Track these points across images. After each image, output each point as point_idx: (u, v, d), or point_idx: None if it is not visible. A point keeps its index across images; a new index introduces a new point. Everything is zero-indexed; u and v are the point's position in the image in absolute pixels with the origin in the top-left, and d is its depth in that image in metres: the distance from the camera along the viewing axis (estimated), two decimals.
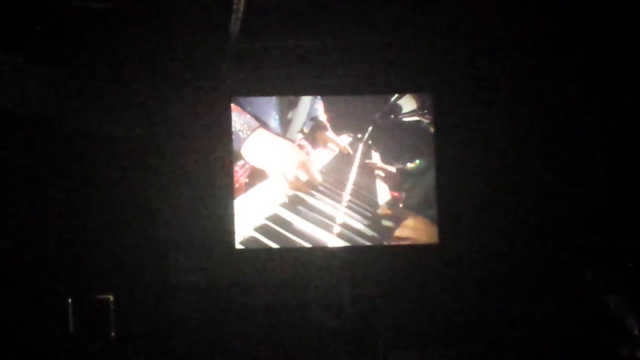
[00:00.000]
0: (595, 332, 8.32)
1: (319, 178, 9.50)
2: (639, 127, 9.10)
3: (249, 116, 9.49)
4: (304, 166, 9.48)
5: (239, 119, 9.47)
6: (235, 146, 9.43)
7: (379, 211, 9.55)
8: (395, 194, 9.59)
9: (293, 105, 9.62)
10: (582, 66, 9.19)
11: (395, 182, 9.60)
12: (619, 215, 9.17)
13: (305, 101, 9.63)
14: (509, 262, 9.35)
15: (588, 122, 9.44)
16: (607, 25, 8.43)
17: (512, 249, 9.39)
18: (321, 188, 9.49)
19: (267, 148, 9.51)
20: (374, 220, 9.53)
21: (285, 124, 9.57)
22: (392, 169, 9.59)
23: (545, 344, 8.58)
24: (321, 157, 9.55)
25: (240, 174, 9.38)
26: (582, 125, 9.45)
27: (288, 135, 9.56)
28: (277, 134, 9.55)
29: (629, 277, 8.58)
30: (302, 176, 9.44)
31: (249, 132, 9.46)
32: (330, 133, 9.57)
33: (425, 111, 9.71)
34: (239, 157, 9.42)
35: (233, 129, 9.45)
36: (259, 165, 9.43)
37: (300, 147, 9.52)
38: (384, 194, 9.58)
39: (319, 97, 9.61)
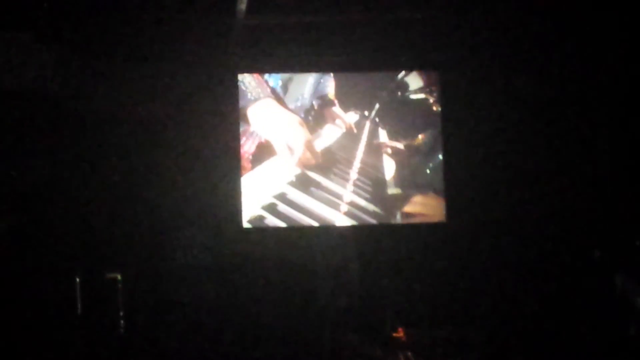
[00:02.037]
0: (602, 311, 8.33)
1: (319, 159, 9.45)
2: None
3: (264, 84, 9.49)
4: (308, 144, 9.43)
5: (251, 80, 9.46)
6: (241, 103, 9.41)
7: (387, 189, 9.52)
8: (403, 171, 9.57)
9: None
10: (591, 45, 9.16)
11: (403, 159, 9.57)
12: (627, 194, 9.16)
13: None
14: (517, 241, 9.35)
15: (597, 100, 9.42)
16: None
17: (519, 227, 9.39)
18: (328, 166, 9.44)
19: (273, 118, 9.48)
20: (381, 198, 9.51)
21: (285, 82, 9.55)
22: (400, 145, 9.55)
23: (553, 322, 8.58)
24: (328, 135, 9.49)
25: (246, 147, 9.36)
26: (591, 103, 9.42)
27: (287, 99, 9.52)
28: (287, 108, 9.50)
29: (637, 256, 8.57)
30: (308, 154, 9.39)
31: (257, 96, 9.43)
32: (337, 109, 9.51)
33: (432, 88, 9.66)
34: (245, 118, 9.39)
35: (243, 87, 9.42)
36: (262, 133, 9.41)
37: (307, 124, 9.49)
38: (391, 171, 9.53)
39: (326, 74, 9.55)
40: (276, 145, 9.40)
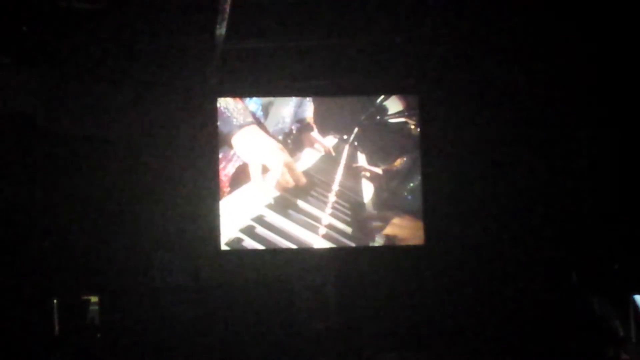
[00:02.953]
0: (581, 333, 8.32)
1: (302, 180, 9.50)
2: (625, 131, 9.13)
3: (247, 109, 9.54)
4: (289, 167, 9.48)
5: (235, 106, 9.50)
6: (225, 129, 9.44)
7: (365, 212, 9.55)
8: (381, 194, 9.60)
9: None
10: (567, 68, 9.21)
11: (382, 182, 9.60)
12: (605, 218, 9.18)
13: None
14: (495, 264, 9.37)
15: (574, 124, 9.46)
16: (591, 30, 8.46)
17: (497, 250, 9.40)
18: (307, 189, 9.47)
19: (256, 144, 9.50)
20: (359, 221, 9.53)
21: (266, 106, 9.59)
22: (378, 170, 9.59)
23: (531, 344, 8.57)
24: (307, 159, 9.54)
25: (225, 171, 9.38)
26: (568, 127, 9.47)
27: (267, 123, 9.56)
28: (267, 133, 9.54)
29: (615, 279, 8.58)
30: (287, 177, 9.43)
31: (242, 122, 9.48)
32: (315, 134, 9.56)
33: (411, 112, 9.71)
34: (229, 145, 9.43)
35: (227, 114, 9.47)
36: (246, 158, 9.44)
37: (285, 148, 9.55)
38: (370, 194, 9.57)
39: (306, 98, 9.60)
40: (252, 169, 9.43)
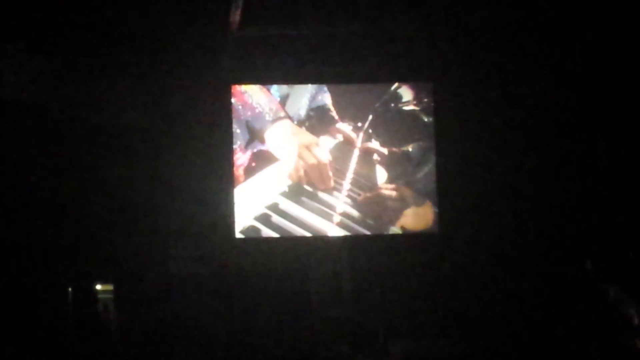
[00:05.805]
0: (595, 322, 8.32)
1: (332, 183, 9.48)
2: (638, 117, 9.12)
3: (275, 101, 9.48)
4: (324, 169, 9.48)
5: (267, 102, 9.45)
6: (258, 125, 9.39)
7: (380, 199, 9.53)
8: (395, 181, 9.58)
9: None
10: (580, 55, 9.19)
11: (396, 170, 9.58)
12: (619, 205, 9.16)
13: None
14: (509, 251, 9.35)
15: (588, 110, 9.43)
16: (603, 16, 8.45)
17: (511, 238, 9.39)
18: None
19: (290, 140, 9.47)
20: (373, 209, 9.51)
21: (284, 97, 9.53)
22: (392, 156, 9.56)
23: (545, 332, 8.58)
24: (323, 146, 9.51)
25: (241, 160, 9.37)
26: (581, 113, 9.43)
27: (287, 109, 9.50)
28: (302, 127, 9.51)
29: (629, 267, 8.57)
30: (318, 176, 9.44)
31: (273, 117, 9.44)
32: (333, 120, 9.51)
33: (425, 100, 9.68)
34: (261, 140, 9.39)
35: (259, 109, 9.43)
36: (278, 154, 9.40)
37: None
38: (384, 182, 9.55)
39: (323, 87, 9.56)
40: (290, 167, 9.42)
